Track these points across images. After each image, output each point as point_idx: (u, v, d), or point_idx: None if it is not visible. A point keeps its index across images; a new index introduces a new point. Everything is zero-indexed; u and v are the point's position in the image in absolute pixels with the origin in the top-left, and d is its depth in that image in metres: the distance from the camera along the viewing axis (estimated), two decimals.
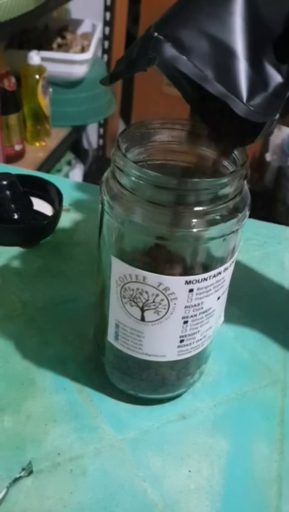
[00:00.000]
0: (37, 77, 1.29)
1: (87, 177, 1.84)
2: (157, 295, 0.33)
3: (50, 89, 1.37)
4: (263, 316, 0.50)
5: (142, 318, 0.34)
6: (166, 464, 0.37)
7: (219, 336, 0.43)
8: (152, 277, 0.32)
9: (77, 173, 1.70)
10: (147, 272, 0.32)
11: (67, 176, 1.62)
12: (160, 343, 0.36)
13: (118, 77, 0.31)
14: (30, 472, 0.36)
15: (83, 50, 1.49)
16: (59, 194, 0.58)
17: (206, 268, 0.33)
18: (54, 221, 0.58)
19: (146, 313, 0.34)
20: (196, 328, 0.35)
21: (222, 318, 0.40)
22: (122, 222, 0.33)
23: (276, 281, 0.55)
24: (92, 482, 0.36)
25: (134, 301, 0.34)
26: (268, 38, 0.30)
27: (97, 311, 0.39)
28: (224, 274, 0.34)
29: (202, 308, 0.34)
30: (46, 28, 1.54)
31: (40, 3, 1.04)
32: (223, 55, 0.28)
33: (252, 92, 0.29)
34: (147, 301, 0.33)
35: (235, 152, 0.33)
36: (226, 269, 0.34)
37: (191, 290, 0.33)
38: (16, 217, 0.56)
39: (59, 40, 1.52)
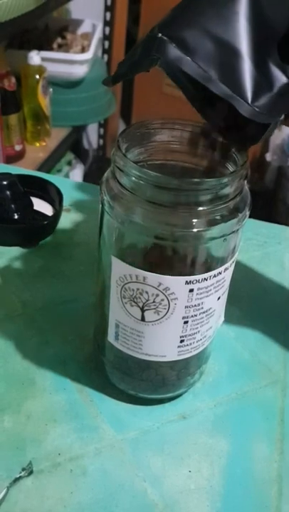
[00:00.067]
0: (37, 77, 1.29)
1: (87, 177, 1.84)
2: (157, 295, 0.33)
3: (51, 90, 1.37)
4: (263, 316, 0.50)
5: (142, 318, 0.34)
6: (167, 464, 0.37)
7: (219, 336, 0.43)
8: (152, 277, 0.32)
9: (77, 173, 1.70)
10: (147, 272, 0.32)
11: (67, 176, 1.62)
12: (160, 343, 0.36)
13: (121, 78, 0.31)
14: (31, 472, 0.36)
15: (83, 50, 1.49)
16: (59, 194, 0.58)
17: (206, 268, 0.33)
18: (54, 221, 0.58)
19: (146, 314, 0.34)
20: (197, 328, 0.35)
21: (222, 318, 0.40)
22: (122, 222, 0.33)
23: (276, 281, 0.55)
24: (93, 482, 0.36)
25: (134, 301, 0.34)
26: (273, 38, 0.30)
27: (98, 311, 0.39)
28: (224, 274, 0.34)
29: (202, 308, 0.34)
30: (46, 28, 1.54)
31: (41, 3, 1.04)
32: (228, 55, 0.28)
33: (257, 92, 0.28)
34: (147, 301, 0.33)
35: (236, 152, 0.33)
36: (226, 269, 0.34)
37: (191, 290, 0.33)
38: (16, 217, 0.56)
39: (59, 40, 1.52)
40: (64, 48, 1.50)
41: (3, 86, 1.17)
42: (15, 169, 0.65)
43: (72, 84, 1.46)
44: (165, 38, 0.28)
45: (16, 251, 0.55)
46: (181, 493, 0.36)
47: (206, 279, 0.33)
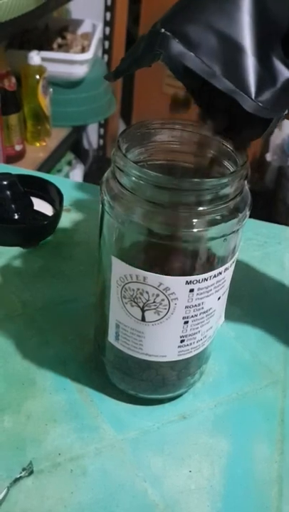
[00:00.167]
0: (37, 77, 1.29)
1: (87, 177, 1.84)
2: (158, 295, 0.33)
3: (51, 90, 1.37)
4: (264, 316, 0.50)
5: (143, 319, 0.34)
6: (167, 464, 0.37)
7: (220, 336, 0.43)
8: (153, 277, 0.32)
9: (77, 173, 1.70)
10: (148, 272, 0.32)
11: (67, 176, 1.62)
12: (160, 343, 0.36)
13: (123, 73, 0.31)
14: (31, 472, 0.36)
15: (83, 50, 1.49)
16: (59, 194, 0.58)
17: (206, 268, 0.33)
18: (54, 221, 0.58)
19: (146, 314, 0.34)
20: (197, 328, 0.35)
21: (222, 318, 0.40)
22: (122, 222, 0.32)
23: (276, 281, 0.55)
24: (93, 482, 0.36)
25: (134, 302, 0.34)
26: (276, 33, 0.29)
27: (98, 311, 0.39)
28: (225, 274, 0.34)
29: (203, 308, 0.34)
30: (46, 28, 1.54)
31: (41, 4, 1.04)
32: (231, 50, 0.28)
33: (260, 87, 0.28)
34: (148, 301, 0.33)
35: (236, 152, 0.33)
36: (226, 269, 0.34)
37: (191, 290, 0.33)
38: (16, 217, 0.56)
39: (59, 40, 1.52)
40: (64, 48, 1.50)
41: (3, 86, 1.17)
42: (15, 169, 0.65)
43: (73, 84, 1.46)
44: (168, 33, 0.28)
45: (16, 251, 0.55)
46: (181, 493, 0.36)
47: (206, 279, 0.33)
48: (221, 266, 0.33)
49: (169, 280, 0.32)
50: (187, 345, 0.36)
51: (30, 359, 0.44)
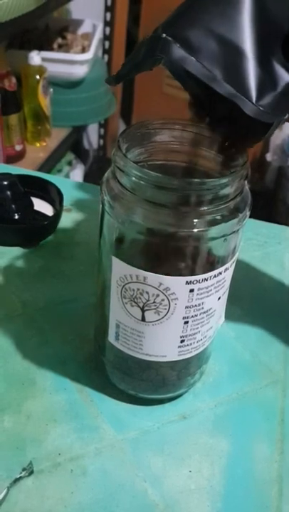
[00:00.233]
0: (37, 77, 1.29)
1: (87, 177, 1.84)
2: (158, 295, 0.33)
3: (51, 90, 1.37)
4: (264, 315, 0.50)
5: (143, 319, 0.34)
6: (167, 464, 0.37)
7: (220, 336, 0.43)
8: (153, 277, 0.32)
9: (77, 173, 1.70)
10: (148, 272, 0.32)
11: (67, 176, 1.62)
12: (161, 343, 0.36)
13: (124, 77, 0.31)
14: (31, 472, 0.36)
15: (84, 50, 1.49)
16: (59, 194, 0.58)
17: (206, 268, 0.33)
18: (54, 221, 0.58)
19: (146, 314, 0.34)
20: (197, 328, 0.35)
21: (223, 318, 0.40)
22: (122, 223, 0.33)
23: (276, 281, 0.55)
24: (93, 482, 0.36)
25: (134, 302, 0.34)
26: (276, 37, 0.30)
27: (98, 312, 0.39)
28: (225, 274, 0.34)
29: (203, 308, 0.34)
30: (47, 28, 1.54)
31: (41, 4, 1.04)
32: (232, 54, 0.28)
33: (261, 91, 0.28)
34: (148, 301, 0.33)
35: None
36: (226, 269, 0.34)
37: (191, 290, 0.33)
38: (16, 217, 0.57)
39: (59, 40, 1.52)
40: (64, 48, 1.50)
41: (3, 86, 1.18)
42: (15, 169, 0.65)
43: (73, 84, 1.47)
44: (169, 38, 0.28)
45: (16, 251, 0.55)
46: (181, 493, 0.36)
47: (206, 280, 0.33)
48: (221, 266, 0.33)
49: (169, 280, 0.32)
50: (187, 345, 0.36)
51: (31, 359, 0.44)
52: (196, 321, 0.35)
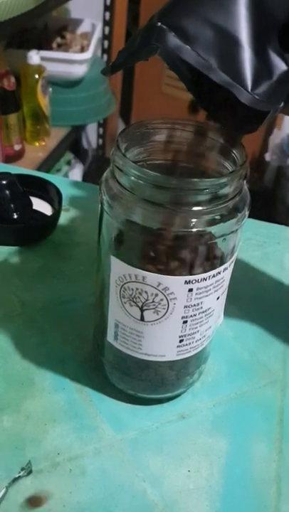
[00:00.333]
0: (36, 76, 1.29)
1: (86, 177, 1.84)
2: (157, 295, 0.33)
3: (50, 89, 1.37)
4: (263, 315, 0.50)
5: (142, 318, 0.34)
6: (166, 464, 0.37)
7: (219, 336, 0.43)
8: (152, 277, 0.32)
9: (76, 172, 1.70)
10: (147, 272, 0.32)
11: (66, 175, 1.62)
12: (159, 342, 0.36)
13: (120, 67, 0.31)
14: (30, 472, 0.36)
15: (83, 49, 1.49)
16: (58, 194, 0.58)
17: (205, 268, 0.33)
18: (53, 221, 0.58)
19: (145, 313, 0.34)
20: (196, 328, 0.35)
21: (221, 318, 0.40)
22: (121, 222, 0.33)
23: (275, 280, 0.55)
24: (92, 482, 0.36)
25: (133, 301, 0.34)
26: (272, 26, 0.30)
27: (97, 311, 0.39)
28: (224, 274, 0.34)
29: (201, 308, 0.34)
30: (46, 27, 1.54)
31: (40, 3, 1.04)
32: (228, 43, 0.28)
33: (256, 80, 0.28)
34: (147, 300, 0.33)
35: (235, 152, 0.33)
36: (225, 269, 0.34)
37: (190, 290, 0.33)
38: (15, 216, 0.56)
39: (58, 39, 1.52)
40: (63, 47, 1.50)
41: (2, 85, 1.17)
42: (14, 169, 0.65)
43: (72, 83, 1.46)
44: (164, 26, 0.28)
45: (15, 250, 0.55)
46: (180, 492, 0.36)
47: (205, 279, 0.33)
48: (220, 266, 0.33)
49: (168, 280, 0.32)
50: (186, 344, 0.36)
51: (30, 359, 0.44)
52: (194, 320, 0.35)
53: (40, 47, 1.39)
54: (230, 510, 0.35)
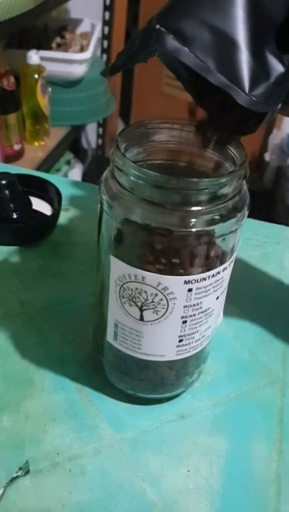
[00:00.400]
0: (36, 76, 1.29)
1: (86, 176, 1.84)
2: (156, 295, 0.33)
3: (49, 89, 1.37)
4: (262, 315, 0.50)
5: (141, 318, 0.34)
6: (165, 464, 0.37)
7: (218, 336, 0.43)
8: (151, 277, 0.32)
9: (76, 172, 1.70)
10: (146, 272, 0.32)
11: (66, 175, 1.62)
12: (159, 342, 0.36)
13: (119, 69, 0.31)
14: (27, 472, 0.36)
15: (82, 49, 1.49)
16: (58, 194, 0.58)
17: (205, 268, 0.33)
18: (53, 221, 0.58)
19: (145, 313, 0.34)
20: (195, 327, 0.35)
21: (221, 318, 0.40)
22: (121, 222, 0.33)
23: (275, 280, 0.55)
24: (91, 482, 0.36)
25: (133, 301, 0.34)
26: (270, 28, 0.30)
27: (97, 311, 0.39)
28: (223, 273, 0.34)
29: (201, 307, 0.34)
30: (45, 27, 1.54)
31: (40, 3, 1.04)
32: (225, 45, 0.28)
33: (254, 82, 0.29)
34: (146, 300, 0.33)
35: (234, 151, 0.33)
36: (224, 268, 0.34)
37: (190, 290, 0.33)
38: (15, 216, 0.56)
39: (58, 39, 1.52)
40: (63, 47, 1.50)
41: (2, 85, 1.17)
42: (14, 169, 0.65)
43: (71, 83, 1.46)
44: (163, 29, 0.28)
45: (14, 250, 0.55)
46: (180, 492, 0.36)
47: (204, 279, 0.33)
48: (220, 266, 0.33)
49: (167, 280, 0.32)
50: (185, 344, 0.36)
51: (29, 359, 0.44)
52: (194, 320, 0.35)
53: (39, 47, 1.39)
54: (230, 510, 0.35)
